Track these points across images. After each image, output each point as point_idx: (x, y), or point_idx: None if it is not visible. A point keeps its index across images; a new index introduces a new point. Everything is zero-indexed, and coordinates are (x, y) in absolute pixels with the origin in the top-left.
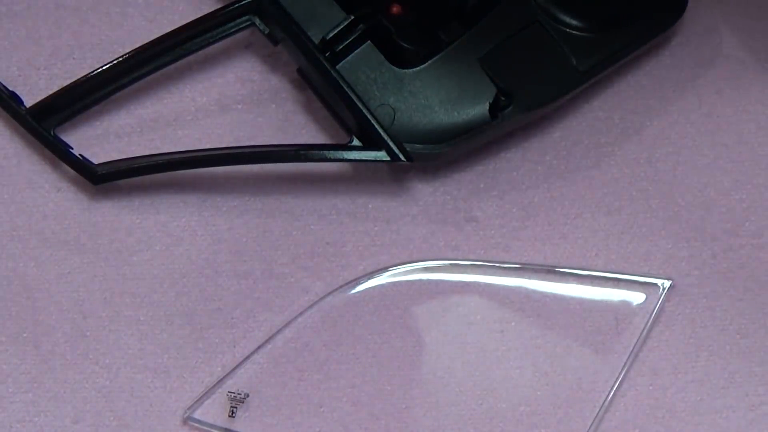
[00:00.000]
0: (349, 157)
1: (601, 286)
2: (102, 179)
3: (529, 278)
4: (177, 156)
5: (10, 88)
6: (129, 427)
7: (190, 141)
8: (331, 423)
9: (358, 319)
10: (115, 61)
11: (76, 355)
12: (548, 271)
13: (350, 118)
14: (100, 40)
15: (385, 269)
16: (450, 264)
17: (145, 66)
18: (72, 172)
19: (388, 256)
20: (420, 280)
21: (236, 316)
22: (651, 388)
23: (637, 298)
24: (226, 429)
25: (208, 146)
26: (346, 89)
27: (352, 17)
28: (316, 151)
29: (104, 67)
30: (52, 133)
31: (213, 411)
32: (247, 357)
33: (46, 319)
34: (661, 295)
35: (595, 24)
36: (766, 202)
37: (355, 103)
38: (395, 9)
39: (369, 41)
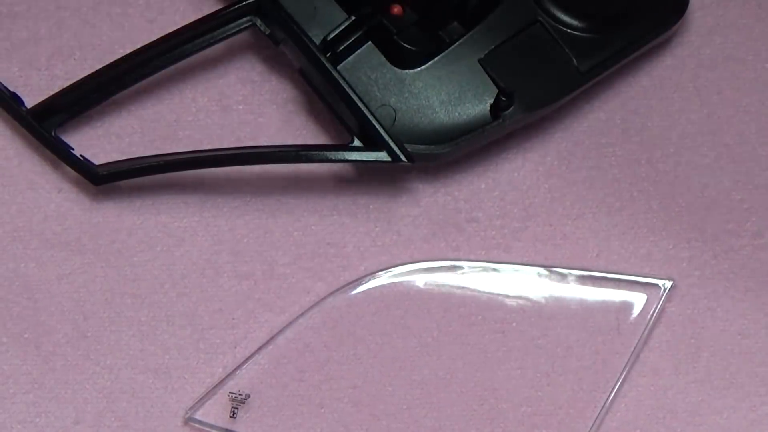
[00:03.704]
0: (350, 158)
1: (602, 287)
2: (103, 180)
3: (530, 278)
4: (178, 157)
5: (11, 89)
6: (130, 427)
7: (190, 142)
8: (332, 424)
9: (359, 319)
10: (116, 62)
11: (77, 355)
12: (549, 272)
13: (351, 118)
14: (100, 40)
15: (386, 270)
16: (451, 264)
17: (146, 67)
18: (73, 172)
19: (389, 256)
20: (421, 281)
21: (237, 317)
22: (652, 388)
23: (638, 298)
24: (226, 430)
25: (208, 147)
26: (347, 90)
27: (353, 18)
28: (317, 152)
29: (105, 68)
30: (53, 133)
31: (214, 412)
32: (248, 358)
33: (47, 319)
34: (662, 296)
35: (596, 24)
36: (767, 203)
37: (356, 104)
38: (396, 9)
39: (370, 42)
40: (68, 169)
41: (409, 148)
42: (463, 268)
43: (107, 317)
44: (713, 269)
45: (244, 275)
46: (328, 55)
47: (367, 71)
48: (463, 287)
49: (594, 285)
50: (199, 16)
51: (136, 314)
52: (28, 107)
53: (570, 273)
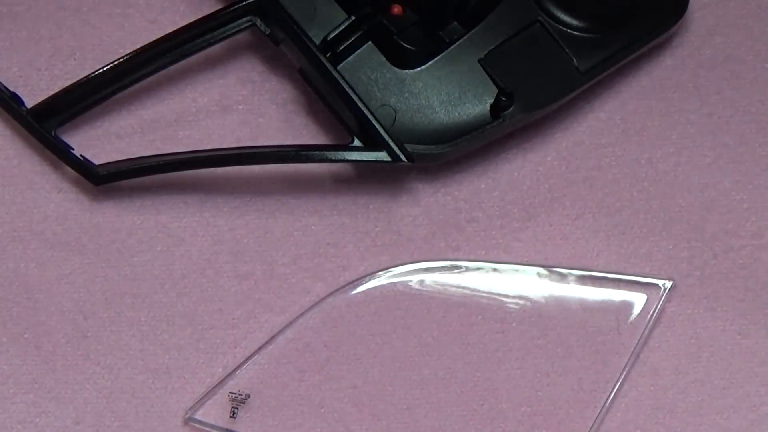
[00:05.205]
0: (350, 158)
1: (602, 287)
2: (103, 180)
3: (530, 278)
4: (178, 157)
5: (11, 89)
6: (130, 427)
7: (191, 142)
8: (332, 424)
9: (359, 319)
10: (116, 62)
11: (77, 355)
12: (549, 272)
13: (351, 118)
14: (101, 40)
15: (386, 270)
16: (451, 264)
17: (146, 67)
18: (73, 172)
19: (389, 256)
20: (421, 281)
21: (237, 317)
22: (652, 388)
23: (638, 298)
24: (227, 430)
25: (209, 147)
26: (347, 90)
27: (353, 18)
28: (317, 152)
29: (105, 68)
30: (53, 133)
31: (214, 412)
32: (248, 358)
33: (47, 319)
34: (662, 296)
35: (596, 24)
36: (767, 203)
37: (356, 104)
38: (396, 9)
39: (370, 42)
40: (68, 169)
41: (409, 148)
42: (463, 268)
43: (107, 317)
44: (713, 269)
45: (244, 275)
46: (328, 55)
47: (367, 71)
48: (463, 287)
49: (594, 285)
50: (199, 16)
51: (136, 314)
52: (28, 107)
53: (570, 273)
